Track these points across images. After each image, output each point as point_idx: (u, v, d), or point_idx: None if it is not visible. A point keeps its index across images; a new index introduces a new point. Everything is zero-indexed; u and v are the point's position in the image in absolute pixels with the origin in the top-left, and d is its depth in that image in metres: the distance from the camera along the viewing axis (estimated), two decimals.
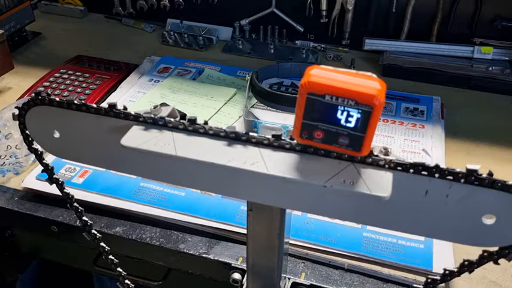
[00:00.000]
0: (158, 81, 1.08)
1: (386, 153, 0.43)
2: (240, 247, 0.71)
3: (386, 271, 0.67)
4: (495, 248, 0.43)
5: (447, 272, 0.47)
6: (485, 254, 0.44)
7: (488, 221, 0.41)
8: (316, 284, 0.66)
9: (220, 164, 0.44)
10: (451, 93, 1.06)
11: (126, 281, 0.66)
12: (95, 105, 0.49)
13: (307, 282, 0.65)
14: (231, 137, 0.46)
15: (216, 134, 0.46)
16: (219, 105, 0.99)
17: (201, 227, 0.73)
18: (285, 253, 0.57)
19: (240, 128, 0.91)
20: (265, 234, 0.54)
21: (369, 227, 0.71)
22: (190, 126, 0.47)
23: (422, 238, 0.70)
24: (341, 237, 0.70)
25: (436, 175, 0.41)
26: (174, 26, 1.32)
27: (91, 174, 0.81)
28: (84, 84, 1.05)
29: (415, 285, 0.55)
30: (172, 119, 0.47)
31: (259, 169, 0.43)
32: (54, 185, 0.56)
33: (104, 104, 0.48)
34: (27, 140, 0.53)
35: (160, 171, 0.50)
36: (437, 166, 0.41)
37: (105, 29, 1.35)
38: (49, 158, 0.76)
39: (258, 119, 0.94)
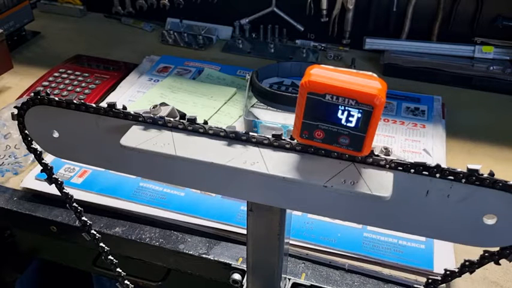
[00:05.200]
0: (158, 80, 1.08)
1: (387, 153, 0.43)
2: (240, 247, 0.70)
3: (387, 271, 0.66)
4: (496, 248, 0.43)
5: (448, 272, 0.47)
6: (486, 254, 0.43)
7: (489, 221, 0.41)
8: (316, 284, 0.65)
9: (220, 164, 0.43)
10: (452, 92, 1.06)
11: (126, 282, 0.65)
12: (94, 105, 0.48)
13: (308, 283, 0.65)
14: (231, 137, 0.45)
15: (216, 134, 0.46)
16: (219, 105, 0.99)
17: (200, 227, 0.73)
18: (285, 253, 0.57)
19: (240, 127, 0.90)
20: (265, 234, 0.54)
21: (369, 227, 0.71)
22: (190, 126, 0.46)
23: (423, 238, 0.70)
24: (341, 237, 0.70)
25: (437, 175, 0.41)
26: (173, 25, 1.32)
27: (90, 174, 0.81)
28: (83, 84, 1.05)
29: (415, 286, 0.54)
30: (171, 119, 0.47)
31: (259, 169, 0.43)
32: (54, 185, 0.56)
33: (103, 104, 0.48)
34: (26, 140, 0.53)
35: (159, 171, 0.50)
36: (438, 166, 0.40)
37: (104, 28, 1.35)
38: (48, 158, 0.76)
39: (258, 118, 0.93)
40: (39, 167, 0.70)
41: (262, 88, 0.97)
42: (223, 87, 1.05)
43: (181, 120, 0.47)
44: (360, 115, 0.39)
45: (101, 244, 0.61)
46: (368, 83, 0.38)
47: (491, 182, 0.39)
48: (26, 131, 0.52)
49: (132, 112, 0.48)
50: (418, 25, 1.16)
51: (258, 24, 1.25)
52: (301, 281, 0.65)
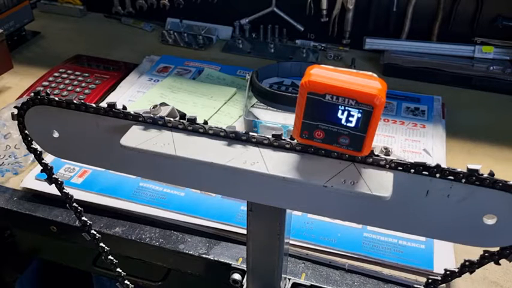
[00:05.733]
0: (158, 80, 1.08)
1: (387, 153, 0.43)
2: (240, 247, 0.70)
3: (387, 271, 0.66)
4: (496, 248, 0.43)
5: (448, 272, 0.47)
6: (486, 254, 0.43)
7: (489, 221, 0.41)
8: (316, 284, 0.65)
9: (220, 164, 0.43)
10: (452, 92, 1.06)
11: (126, 282, 0.65)
12: (94, 105, 0.48)
13: (308, 283, 0.65)
14: (231, 137, 0.45)
15: (216, 134, 0.46)
16: (219, 105, 0.99)
17: (200, 227, 0.73)
18: (285, 253, 0.57)
19: (240, 127, 0.90)
20: (265, 234, 0.54)
21: (369, 227, 0.71)
22: (190, 126, 0.46)
23: (423, 238, 0.70)
24: (341, 237, 0.70)
25: (437, 175, 0.41)
26: (173, 25, 1.32)
27: (90, 174, 0.81)
28: (83, 84, 1.05)
29: (415, 286, 0.54)
30: (171, 119, 0.47)
31: (259, 169, 0.43)
32: (54, 185, 0.56)
33: (103, 104, 0.48)
34: (26, 140, 0.53)
35: (159, 171, 0.50)
36: (438, 166, 0.40)
37: (104, 28, 1.35)
38: (48, 158, 0.76)
39: (258, 118, 0.93)
40: (39, 167, 0.70)
41: (262, 88, 0.97)
42: (223, 87, 1.05)
43: (181, 120, 0.47)
44: (360, 115, 0.39)
45: (101, 244, 0.61)
46: (368, 83, 0.38)
47: (491, 182, 0.39)
48: (26, 131, 0.52)
49: (132, 112, 0.48)
50: (418, 25, 1.16)
51: (258, 24, 1.25)
52: (301, 281, 0.65)
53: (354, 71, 0.39)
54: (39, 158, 0.54)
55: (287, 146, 0.44)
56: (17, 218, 0.77)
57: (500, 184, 0.39)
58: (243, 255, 0.69)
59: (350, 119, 0.39)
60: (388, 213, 0.44)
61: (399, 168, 0.42)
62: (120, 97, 1.02)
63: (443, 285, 0.59)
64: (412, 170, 0.41)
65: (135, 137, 0.46)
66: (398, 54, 1.14)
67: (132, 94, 1.03)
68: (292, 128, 0.42)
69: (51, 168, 0.55)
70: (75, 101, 0.49)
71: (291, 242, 0.67)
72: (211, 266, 0.69)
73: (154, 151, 0.45)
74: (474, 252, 0.44)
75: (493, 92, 1.06)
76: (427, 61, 1.12)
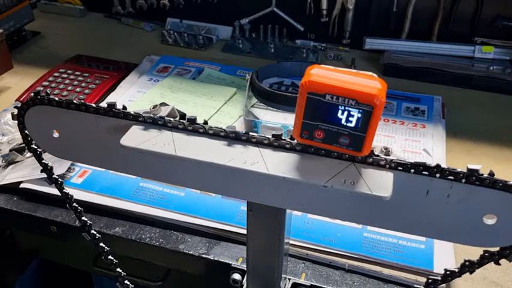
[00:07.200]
0: (158, 80, 1.08)
1: (387, 153, 0.43)
2: (240, 247, 0.70)
3: (387, 271, 0.66)
4: (496, 248, 0.43)
5: (448, 272, 0.47)
6: (486, 254, 0.43)
7: (489, 221, 0.41)
8: (316, 284, 0.65)
9: (220, 164, 0.43)
10: (452, 92, 1.06)
11: (126, 282, 0.65)
12: (94, 105, 0.48)
13: (308, 283, 0.65)
14: (231, 137, 0.45)
15: (216, 134, 0.46)
16: (219, 105, 0.99)
17: (200, 227, 0.73)
18: (285, 253, 0.57)
19: (240, 127, 0.90)
20: (265, 234, 0.54)
21: (369, 227, 0.71)
22: (190, 126, 0.46)
23: (423, 238, 0.70)
24: (341, 237, 0.70)
25: (437, 175, 0.41)
26: (173, 25, 1.32)
27: (90, 174, 0.81)
28: (83, 84, 1.05)
29: (415, 286, 0.55)
30: (171, 119, 0.47)
31: (259, 169, 0.43)
32: (54, 185, 0.56)
33: (103, 104, 0.48)
34: (26, 140, 0.53)
35: (159, 171, 0.50)
36: (438, 166, 0.40)
37: (104, 28, 1.35)
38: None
39: (258, 118, 0.93)
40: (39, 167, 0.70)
41: (262, 88, 0.97)
42: (223, 87, 1.05)
43: (181, 120, 0.47)
44: (360, 115, 0.39)
45: (101, 244, 0.61)
46: (368, 83, 0.38)
47: (491, 182, 0.39)
48: (26, 131, 0.52)
49: (132, 112, 0.48)
50: (418, 25, 1.16)
51: (258, 24, 1.25)
52: (301, 281, 0.65)
53: (354, 71, 0.39)
54: (39, 158, 0.54)
55: (287, 146, 0.44)
56: (17, 218, 0.77)
57: (500, 184, 0.39)
58: (243, 255, 0.69)
59: (350, 119, 0.39)
60: (388, 213, 0.44)
61: (399, 168, 0.42)
62: (120, 97, 1.02)
63: (443, 285, 0.59)
64: (412, 170, 0.41)
65: (135, 137, 0.46)
66: (398, 54, 1.14)
67: (132, 94, 1.03)
68: (292, 128, 0.42)
69: (51, 168, 0.55)
70: (75, 101, 0.49)
71: (291, 242, 0.67)
72: (211, 266, 0.69)
73: (154, 151, 0.45)
74: (474, 252, 0.44)
75: (493, 92, 1.06)
76: (427, 61, 1.12)
